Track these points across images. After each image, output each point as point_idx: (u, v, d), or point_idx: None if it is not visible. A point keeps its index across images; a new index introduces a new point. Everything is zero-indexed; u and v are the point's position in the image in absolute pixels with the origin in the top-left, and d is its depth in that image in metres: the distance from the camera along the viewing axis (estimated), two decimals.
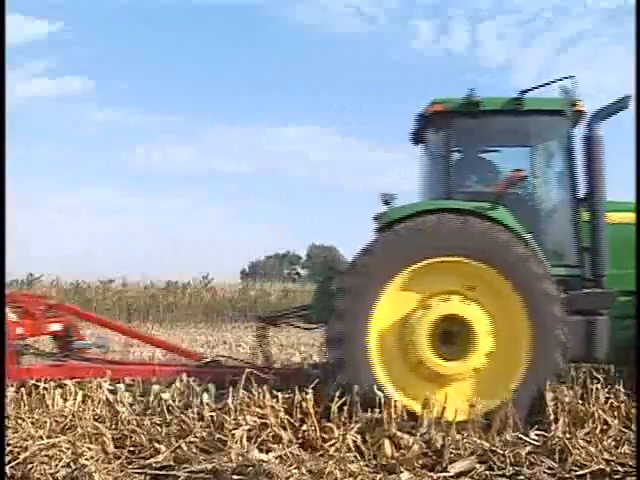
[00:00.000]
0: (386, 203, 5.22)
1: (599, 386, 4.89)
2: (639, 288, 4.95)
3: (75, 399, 5.10)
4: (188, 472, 3.96)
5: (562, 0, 67.78)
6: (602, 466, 4.00)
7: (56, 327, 6.31)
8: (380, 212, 5.28)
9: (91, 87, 71.95)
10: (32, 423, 4.68)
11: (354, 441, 4.32)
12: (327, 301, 5.17)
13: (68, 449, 4.15)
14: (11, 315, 5.76)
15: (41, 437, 4.40)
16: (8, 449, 4.12)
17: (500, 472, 4.00)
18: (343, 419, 4.57)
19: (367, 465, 4.10)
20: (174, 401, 5.00)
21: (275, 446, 4.31)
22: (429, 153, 6.06)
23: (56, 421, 4.83)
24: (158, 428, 4.66)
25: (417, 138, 6.21)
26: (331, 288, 5.27)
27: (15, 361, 5.62)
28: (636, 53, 5.10)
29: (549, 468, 4.03)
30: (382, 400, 4.57)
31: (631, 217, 5.25)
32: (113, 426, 4.80)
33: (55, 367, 5.86)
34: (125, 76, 78.73)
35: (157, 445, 4.37)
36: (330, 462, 3.95)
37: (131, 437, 4.57)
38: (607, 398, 4.82)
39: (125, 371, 5.92)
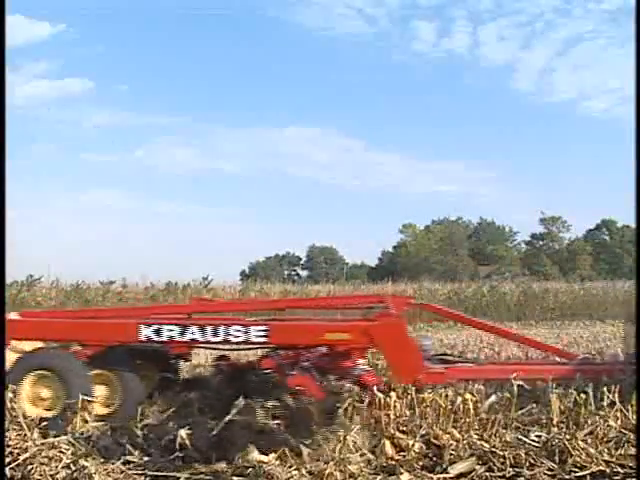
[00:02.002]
0: None
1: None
2: (639, 290, 4.94)
3: None
4: (188, 473, 3.96)
5: (562, 2, 67.94)
6: (602, 467, 3.99)
7: None
8: None
9: (91, 88, 72.13)
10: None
11: (354, 442, 4.32)
12: None
13: (68, 450, 4.14)
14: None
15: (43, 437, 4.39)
16: (8, 450, 4.11)
17: (500, 473, 3.99)
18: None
19: (367, 466, 4.09)
20: None
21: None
22: None
23: None
24: None
25: None
26: None
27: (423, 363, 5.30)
28: (636, 54, 5.10)
29: (549, 469, 4.02)
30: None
31: None
32: None
33: (470, 370, 5.55)
34: (125, 78, 78.90)
35: None
36: (330, 463, 3.95)
37: None
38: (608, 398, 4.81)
39: (529, 371, 5.35)
